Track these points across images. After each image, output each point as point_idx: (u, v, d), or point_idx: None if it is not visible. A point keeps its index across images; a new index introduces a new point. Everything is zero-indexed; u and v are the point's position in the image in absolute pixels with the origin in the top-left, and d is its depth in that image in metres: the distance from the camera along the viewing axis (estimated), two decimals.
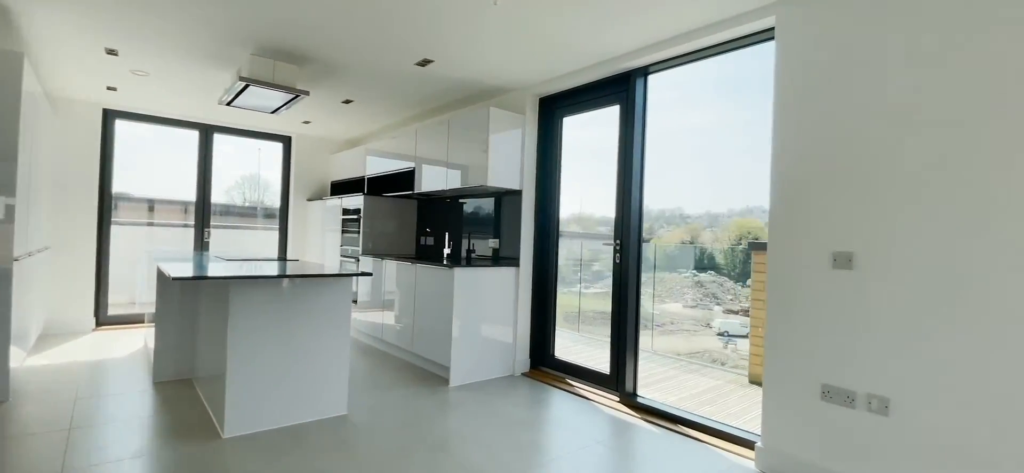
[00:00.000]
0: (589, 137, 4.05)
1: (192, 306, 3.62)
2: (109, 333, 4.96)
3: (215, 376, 2.88)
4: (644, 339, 4.68)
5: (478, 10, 2.76)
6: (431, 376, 3.86)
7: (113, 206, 5.26)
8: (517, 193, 4.10)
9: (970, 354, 1.93)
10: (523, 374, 4.03)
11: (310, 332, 2.88)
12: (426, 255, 5.05)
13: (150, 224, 5.67)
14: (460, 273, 3.69)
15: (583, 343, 4.84)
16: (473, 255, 4.59)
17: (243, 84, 3.50)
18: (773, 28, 2.62)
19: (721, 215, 5.09)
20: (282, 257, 6.20)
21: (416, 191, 4.77)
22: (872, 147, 2.20)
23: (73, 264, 4.94)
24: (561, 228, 4.10)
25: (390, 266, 4.48)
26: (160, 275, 3.50)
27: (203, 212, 5.79)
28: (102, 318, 5.20)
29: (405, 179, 4.99)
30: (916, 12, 2.09)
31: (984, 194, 1.91)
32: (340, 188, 6.30)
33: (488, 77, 3.89)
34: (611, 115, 3.70)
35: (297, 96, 3.80)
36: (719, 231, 5.19)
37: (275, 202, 6.44)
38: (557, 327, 4.10)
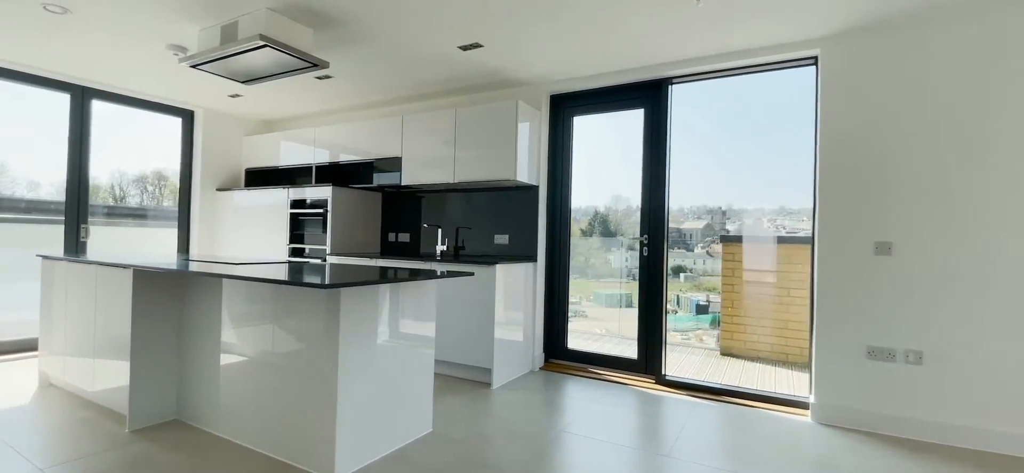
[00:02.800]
0: (600, 137, 4.25)
1: (173, 324, 2.79)
2: None
3: (232, 409, 2.31)
4: (579, 324, 5.03)
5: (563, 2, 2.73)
6: (463, 382, 3.63)
7: None
8: (532, 188, 4.09)
9: (983, 315, 2.67)
10: (540, 368, 4.05)
11: (402, 342, 2.52)
12: (398, 253, 4.65)
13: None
14: (503, 270, 3.56)
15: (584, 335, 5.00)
16: (463, 252, 4.41)
17: (259, 44, 2.83)
18: (812, 56, 3.17)
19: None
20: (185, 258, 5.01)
21: (401, 183, 4.37)
22: (905, 156, 2.86)
23: None
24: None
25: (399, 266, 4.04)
26: (140, 284, 2.63)
27: (78, 203, 4.37)
28: None
29: (363, 169, 4.57)
30: (944, 45, 2.79)
31: (997, 195, 2.67)
32: (264, 177, 5.35)
33: (511, 70, 3.80)
34: (629, 118, 3.96)
35: (310, 67, 3.20)
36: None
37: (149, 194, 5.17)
38: (569, 319, 4.22)
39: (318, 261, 4.42)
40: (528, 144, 3.93)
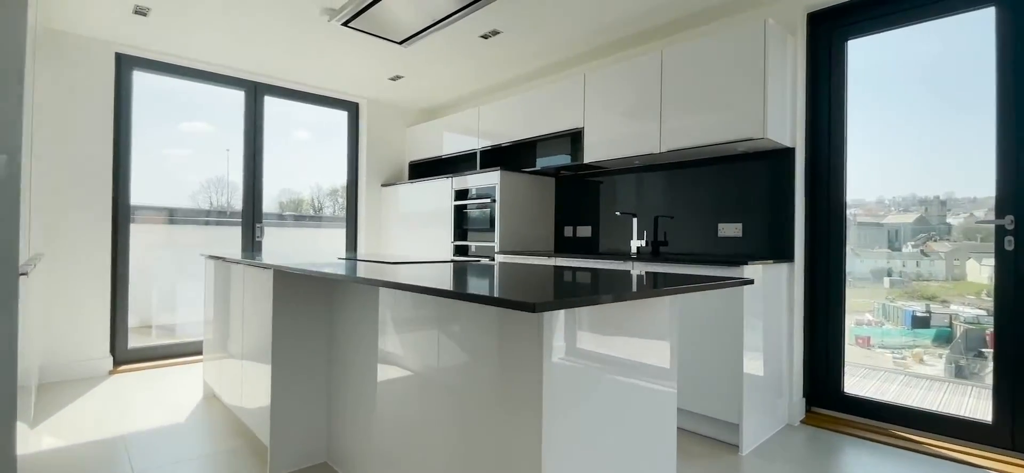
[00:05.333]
0: (889, 70, 2.77)
1: (322, 341, 2.16)
2: (137, 376, 3.40)
3: (397, 461, 1.47)
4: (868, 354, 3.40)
5: None
6: (694, 438, 2.49)
7: (130, 194, 3.67)
8: (783, 153, 2.79)
9: None
10: (801, 422, 2.72)
11: (630, 392, 1.50)
12: (576, 251, 3.68)
13: (172, 221, 4.13)
14: (750, 274, 2.35)
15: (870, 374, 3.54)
16: (665, 249, 3.25)
17: None
18: None
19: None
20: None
21: (584, 160, 3.39)
22: None
23: (79, 278, 3.37)
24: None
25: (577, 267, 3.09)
26: (280, 293, 2.04)
27: (253, 202, 4.26)
28: (122, 354, 3.62)
29: (532, 151, 3.84)
30: None
31: None
32: (427, 169, 4.86)
33: None
34: (954, 30, 2.44)
35: (473, 2, 2.40)
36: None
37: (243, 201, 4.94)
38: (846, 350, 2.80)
39: (486, 261, 3.66)
40: (781, 88, 2.65)
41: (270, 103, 4.35)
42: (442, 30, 2.99)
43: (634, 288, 1.33)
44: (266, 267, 2.08)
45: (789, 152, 2.76)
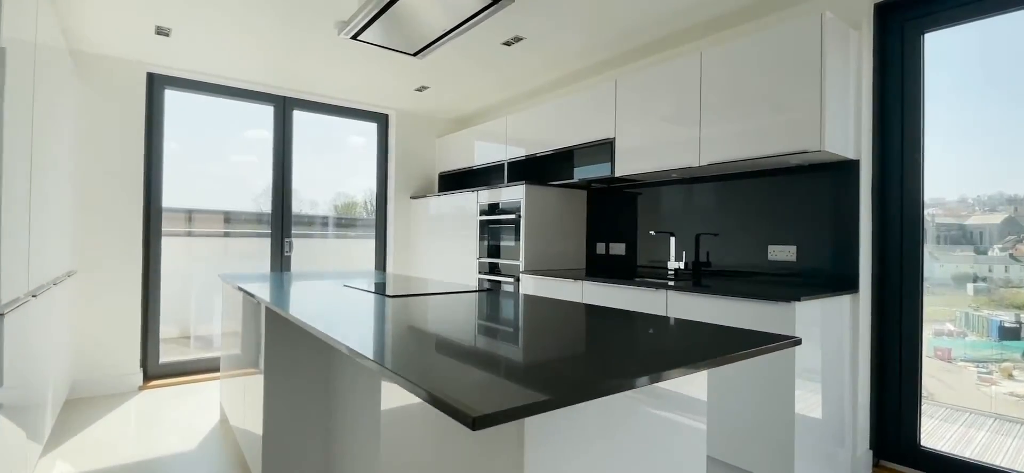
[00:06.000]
0: (978, 64, 2.35)
1: (321, 361, 2.03)
2: (165, 392, 3.42)
3: None
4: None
5: None
6: None
7: (163, 209, 3.72)
8: (845, 165, 2.42)
9: None
10: None
11: (651, 413, 1.24)
12: (609, 271, 3.40)
13: (226, 234, 4.20)
14: (806, 312, 2.02)
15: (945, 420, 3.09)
16: (708, 269, 2.93)
17: None
18: None
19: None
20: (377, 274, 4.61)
21: (614, 173, 3.12)
22: None
23: (110, 294, 3.42)
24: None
25: (610, 295, 2.83)
26: (272, 317, 1.92)
27: (282, 216, 4.24)
28: (153, 369, 3.67)
29: (562, 162, 3.57)
30: None
31: None
32: (457, 181, 4.71)
33: None
34: None
35: (488, 6, 2.19)
36: None
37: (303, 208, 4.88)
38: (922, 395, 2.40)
39: (510, 282, 3.46)
40: (840, 91, 2.29)
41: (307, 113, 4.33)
42: (460, 38, 2.81)
43: (657, 335, 1.08)
44: (258, 300, 1.96)
45: (853, 165, 2.39)
